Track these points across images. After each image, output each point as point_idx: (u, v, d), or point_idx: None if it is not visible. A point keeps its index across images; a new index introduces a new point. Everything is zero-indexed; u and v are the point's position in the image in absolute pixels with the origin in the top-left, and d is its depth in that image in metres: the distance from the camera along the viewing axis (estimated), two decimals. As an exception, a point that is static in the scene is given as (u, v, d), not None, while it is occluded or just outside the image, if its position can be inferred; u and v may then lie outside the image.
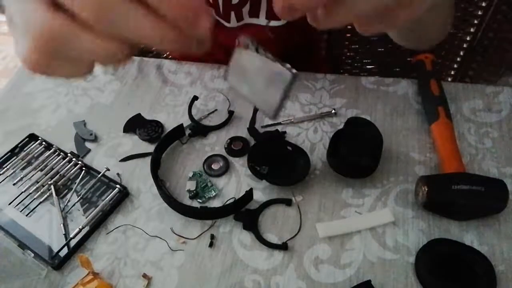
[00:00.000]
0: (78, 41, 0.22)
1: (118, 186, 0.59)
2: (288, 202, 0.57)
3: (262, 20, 0.68)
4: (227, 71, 0.32)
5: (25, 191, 0.60)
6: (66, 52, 0.23)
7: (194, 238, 0.55)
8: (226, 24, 0.69)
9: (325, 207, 0.56)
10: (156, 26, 0.21)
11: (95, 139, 0.67)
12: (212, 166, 0.62)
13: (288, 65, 0.27)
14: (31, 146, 0.66)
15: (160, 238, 0.55)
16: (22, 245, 0.55)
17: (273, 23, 0.68)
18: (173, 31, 0.21)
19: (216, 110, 0.69)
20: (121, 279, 0.52)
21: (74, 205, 0.59)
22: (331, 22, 0.24)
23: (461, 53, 0.93)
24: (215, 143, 0.65)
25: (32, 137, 0.68)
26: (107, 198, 0.58)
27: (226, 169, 0.61)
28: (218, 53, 0.75)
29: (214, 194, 0.59)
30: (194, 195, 0.58)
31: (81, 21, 0.21)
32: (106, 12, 0.20)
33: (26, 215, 0.58)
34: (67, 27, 0.21)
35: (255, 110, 0.65)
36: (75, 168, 0.62)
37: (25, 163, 0.64)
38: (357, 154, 0.56)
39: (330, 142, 0.58)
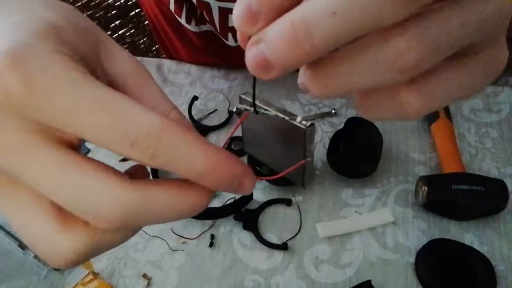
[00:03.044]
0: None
1: (118, 186, 0.59)
2: (288, 202, 0.57)
3: None
4: (243, 140, 0.28)
5: (25, 191, 0.60)
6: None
7: (194, 238, 0.55)
8: (226, 42, 0.68)
9: (325, 207, 0.56)
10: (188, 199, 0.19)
11: (95, 139, 0.66)
12: (212, 166, 0.62)
13: (300, 118, 0.23)
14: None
15: (160, 238, 0.55)
16: (22, 245, 0.55)
17: None
18: (207, 197, 0.20)
19: (216, 110, 0.69)
20: (121, 279, 0.52)
21: (74, 205, 0.59)
22: (322, 92, 0.17)
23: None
24: (215, 143, 0.65)
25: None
26: (107, 198, 0.58)
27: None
28: (220, 65, 0.75)
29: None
30: (194, 195, 0.58)
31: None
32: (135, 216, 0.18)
33: (26, 215, 0.58)
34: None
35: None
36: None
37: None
38: (357, 154, 0.56)
39: (330, 142, 0.58)
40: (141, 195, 0.18)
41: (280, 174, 0.24)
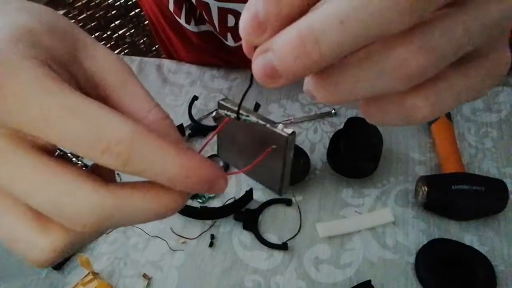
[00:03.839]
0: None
1: (118, 186, 0.59)
2: (288, 202, 0.57)
3: None
4: (218, 146, 0.28)
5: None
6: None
7: (194, 238, 0.55)
8: (225, 42, 0.68)
9: (325, 207, 0.56)
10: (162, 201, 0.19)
11: (95, 139, 0.66)
12: (212, 166, 0.62)
13: (281, 125, 0.23)
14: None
15: (160, 238, 0.55)
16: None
17: None
18: (180, 200, 0.20)
19: (216, 110, 0.69)
20: (121, 279, 0.52)
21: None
22: (328, 99, 0.17)
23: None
24: (215, 143, 0.65)
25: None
26: (107, 198, 0.58)
27: (226, 169, 0.61)
28: (220, 65, 0.75)
29: (213, 194, 0.59)
30: (194, 195, 0.58)
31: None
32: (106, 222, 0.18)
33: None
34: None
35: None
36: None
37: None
38: (357, 154, 0.56)
39: (330, 142, 0.58)
40: (115, 199, 0.18)
41: (250, 166, 0.24)
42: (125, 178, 0.64)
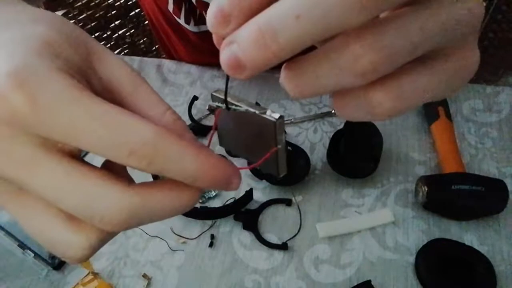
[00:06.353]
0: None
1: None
2: (288, 202, 0.57)
3: None
4: (219, 137, 0.29)
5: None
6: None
7: (194, 238, 0.55)
8: None
9: (325, 207, 0.56)
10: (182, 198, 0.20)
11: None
12: (212, 166, 0.62)
13: (269, 111, 0.23)
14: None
15: (160, 238, 0.55)
16: (22, 245, 0.55)
17: None
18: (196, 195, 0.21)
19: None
20: (121, 279, 0.52)
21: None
22: (294, 91, 0.18)
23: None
24: (215, 143, 0.65)
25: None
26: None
27: (226, 169, 0.61)
28: (217, 61, 0.75)
29: (214, 194, 0.59)
30: (194, 195, 0.58)
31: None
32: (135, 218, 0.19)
33: (26, 215, 0.58)
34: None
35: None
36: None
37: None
38: (357, 154, 0.56)
39: (330, 142, 0.58)
40: (140, 199, 0.19)
41: (256, 164, 0.25)
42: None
